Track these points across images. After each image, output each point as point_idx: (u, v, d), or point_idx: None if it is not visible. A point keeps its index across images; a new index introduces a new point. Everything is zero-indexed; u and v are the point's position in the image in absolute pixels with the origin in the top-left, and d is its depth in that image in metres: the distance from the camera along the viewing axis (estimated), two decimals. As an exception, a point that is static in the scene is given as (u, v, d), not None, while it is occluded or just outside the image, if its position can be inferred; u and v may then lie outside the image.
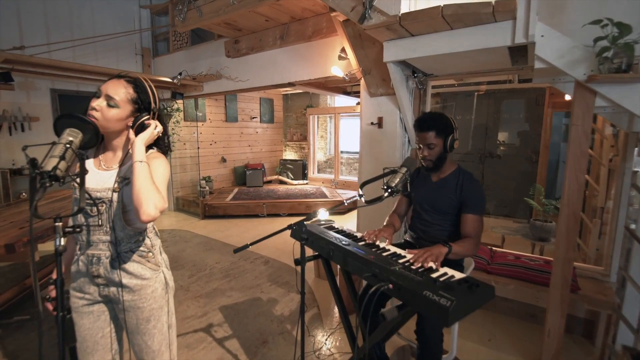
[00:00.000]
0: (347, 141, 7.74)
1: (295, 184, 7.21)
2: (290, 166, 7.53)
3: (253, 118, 7.43)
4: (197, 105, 5.50)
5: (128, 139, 1.11)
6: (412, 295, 1.02)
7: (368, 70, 2.41)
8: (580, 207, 1.70)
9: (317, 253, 1.60)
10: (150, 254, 1.14)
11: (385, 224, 1.70)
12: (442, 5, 1.60)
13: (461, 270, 1.55)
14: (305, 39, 3.23)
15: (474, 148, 4.76)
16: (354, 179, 7.54)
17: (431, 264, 1.26)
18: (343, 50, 2.79)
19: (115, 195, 1.06)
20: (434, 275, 1.15)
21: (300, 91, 7.43)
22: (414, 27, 1.81)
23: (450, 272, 1.19)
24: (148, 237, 1.16)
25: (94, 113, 1.03)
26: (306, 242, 1.59)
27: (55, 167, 0.84)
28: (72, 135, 0.92)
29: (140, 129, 1.08)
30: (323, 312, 2.56)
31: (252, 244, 1.40)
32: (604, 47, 1.44)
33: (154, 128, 1.09)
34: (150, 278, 1.13)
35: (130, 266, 1.10)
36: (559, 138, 4.23)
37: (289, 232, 1.45)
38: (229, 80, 4.20)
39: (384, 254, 1.37)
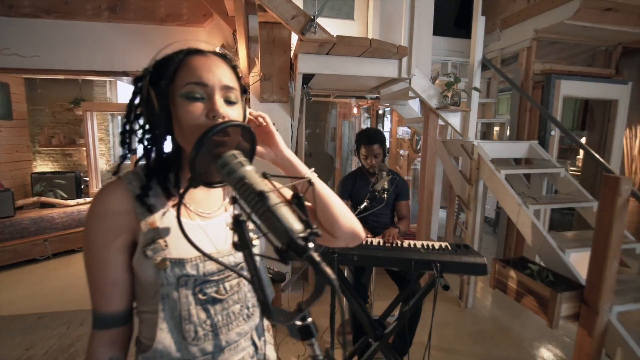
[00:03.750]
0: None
1: (74, 204, 5.23)
2: (61, 181, 5.36)
3: (-30, 110, 4.63)
4: None
5: None
6: (457, 265, 1.39)
7: (270, 76, 2.39)
8: (434, 188, 2.66)
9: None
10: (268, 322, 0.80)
11: None
12: (371, 38, 1.98)
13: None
14: (156, 21, 2.59)
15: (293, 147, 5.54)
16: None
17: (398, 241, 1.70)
18: (223, 47, 2.54)
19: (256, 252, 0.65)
20: (437, 246, 1.57)
21: (62, 77, 5.35)
22: (338, 49, 2.07)
23: (426, 242, 1.65)
24: None
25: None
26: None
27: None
28: (248, 163, 0.48)
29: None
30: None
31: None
32: (444, 89, 2.36)
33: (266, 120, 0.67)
34: None
35: (271, 353, 0.73)
36: (347, 140, 5.76)
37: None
38: (-23, 49, 2.53)
39: (387, 244, 1.63)
